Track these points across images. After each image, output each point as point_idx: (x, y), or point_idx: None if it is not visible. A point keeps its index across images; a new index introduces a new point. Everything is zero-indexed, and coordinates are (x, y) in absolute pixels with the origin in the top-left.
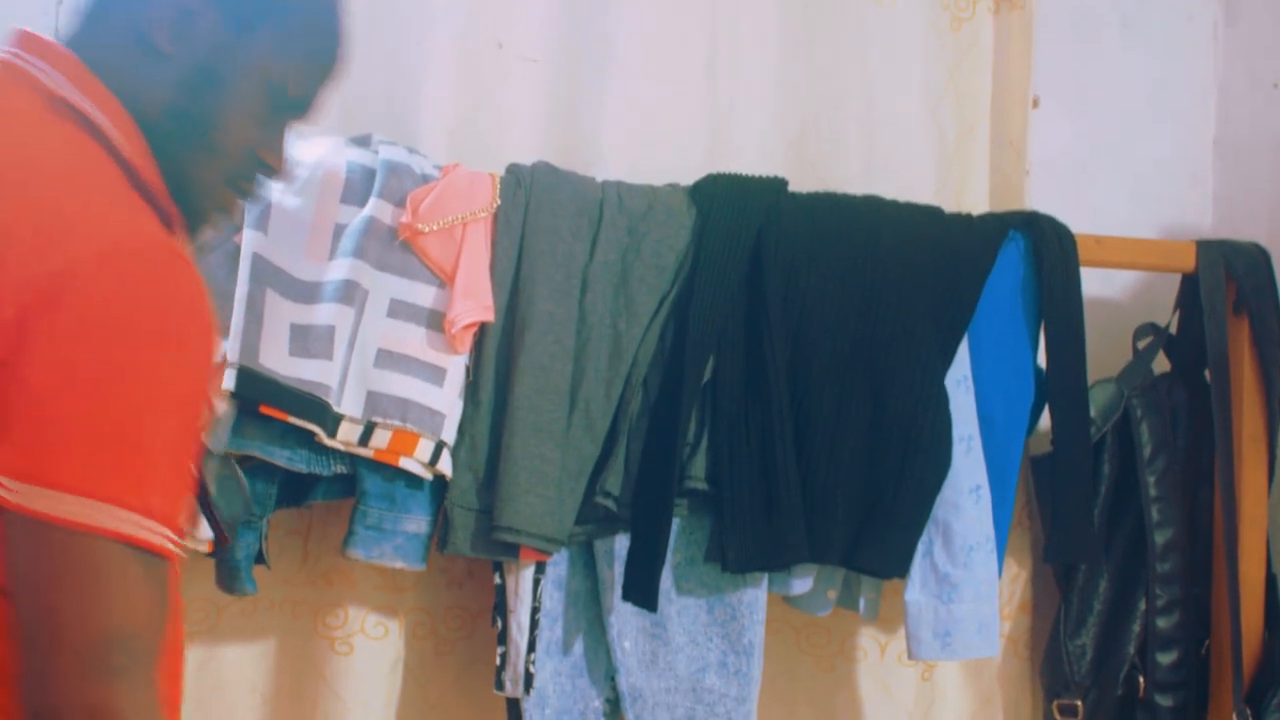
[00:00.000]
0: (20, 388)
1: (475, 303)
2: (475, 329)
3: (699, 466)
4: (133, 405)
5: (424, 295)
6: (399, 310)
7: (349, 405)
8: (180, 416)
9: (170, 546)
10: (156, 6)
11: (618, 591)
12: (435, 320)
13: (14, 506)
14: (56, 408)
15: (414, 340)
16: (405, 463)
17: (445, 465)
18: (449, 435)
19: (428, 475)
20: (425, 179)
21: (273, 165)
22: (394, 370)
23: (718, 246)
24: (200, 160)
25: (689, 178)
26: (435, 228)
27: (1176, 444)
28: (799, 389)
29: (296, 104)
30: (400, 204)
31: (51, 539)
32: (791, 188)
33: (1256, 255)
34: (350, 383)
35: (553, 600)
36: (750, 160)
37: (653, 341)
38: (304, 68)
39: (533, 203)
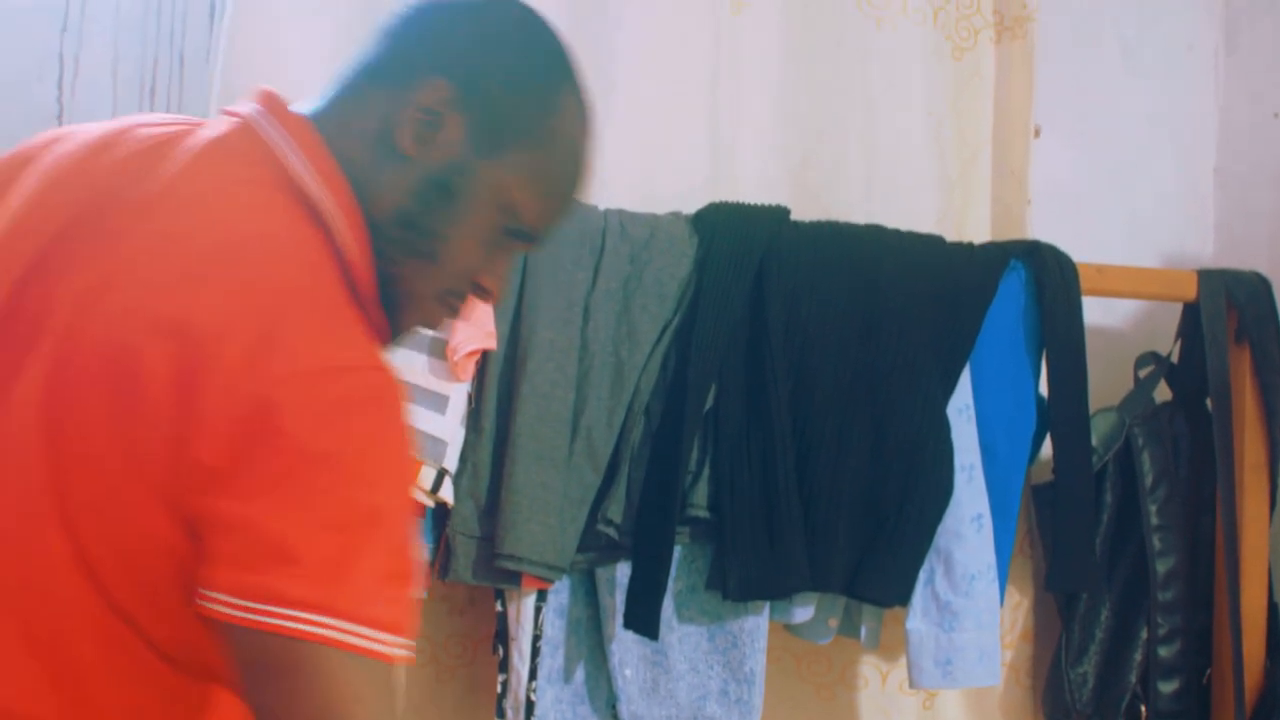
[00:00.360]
0: (237, 506)
1: (477, 330)
2: (477, 356)
3: (701, 494)
4: (349, 524)
5: None
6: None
7: None
8: (394, 530)
9: (392, 652)
10: (405, 104)
11: (619, 619)
12: (437, 348)
13: (238, 621)
14: (277, 530)
15: (416, 367)
16: None
17: (447, 493)
18: (451, 463)
19: (429, 502)
20: None
21: (488, 290)
22: None
23: (720, 275)
24: (418, 272)
25: (691, 204)
26: None
27: (1178, 473)
28: (800, 417)
29: (527, 234)
30: None
31: (276, 648)
32: (793, 215)
33: (1257, 284)
34: None
35: (554, 628)
36: (752, 187)
37: (655, 369)
38: (544, 200)
39: None
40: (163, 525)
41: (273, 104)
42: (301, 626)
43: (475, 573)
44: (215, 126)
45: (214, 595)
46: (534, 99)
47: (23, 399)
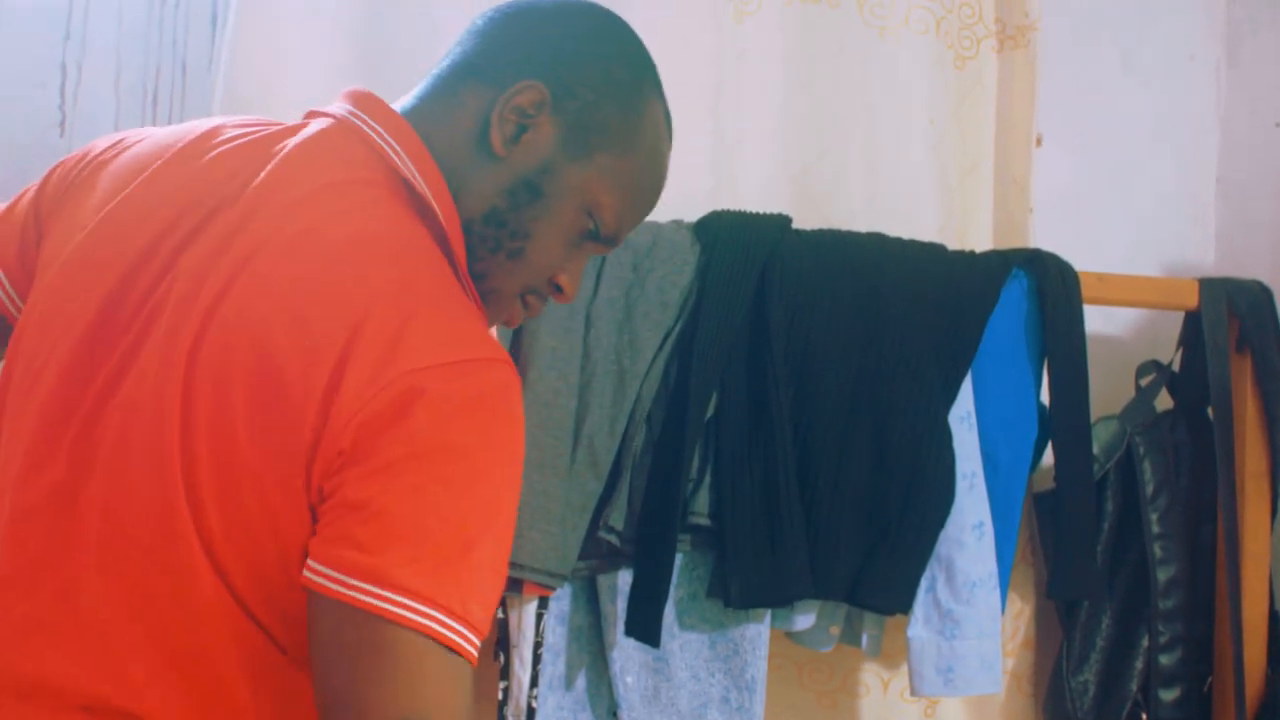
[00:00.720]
0: (360, 487)
1: None
2: None
3: (702, 502)
4: (467, 518)
5: None
6: None
7: None
8: (503, 529)
9: (474, 653)
10: (500, 105)
11: (620, 627)
12: None
13: (343, 598)
14: (395, 514)
15: None
16: None
17: None
18: None
19: None
20: None
21: (564, 289)
22: None
23: (721, 283)
24: (503, 269)
25: (693, 213)
26: None
27: (1179, 481)
28: (802, 425)
29: (606, 238)
30: None
31: (376, 630)
32: (795, 224)
33: (1259, 293)
34: None
35: (555, 635)
36: (754, 195)
37: (656, 377)
38: (625, 204)
39: None
40: (305, 525)
41: (368, 103)
42: (406, 614)
43: None
44: (313, 126)
45: (322, 569)
46: (624, 106)
47: (141, 403)
